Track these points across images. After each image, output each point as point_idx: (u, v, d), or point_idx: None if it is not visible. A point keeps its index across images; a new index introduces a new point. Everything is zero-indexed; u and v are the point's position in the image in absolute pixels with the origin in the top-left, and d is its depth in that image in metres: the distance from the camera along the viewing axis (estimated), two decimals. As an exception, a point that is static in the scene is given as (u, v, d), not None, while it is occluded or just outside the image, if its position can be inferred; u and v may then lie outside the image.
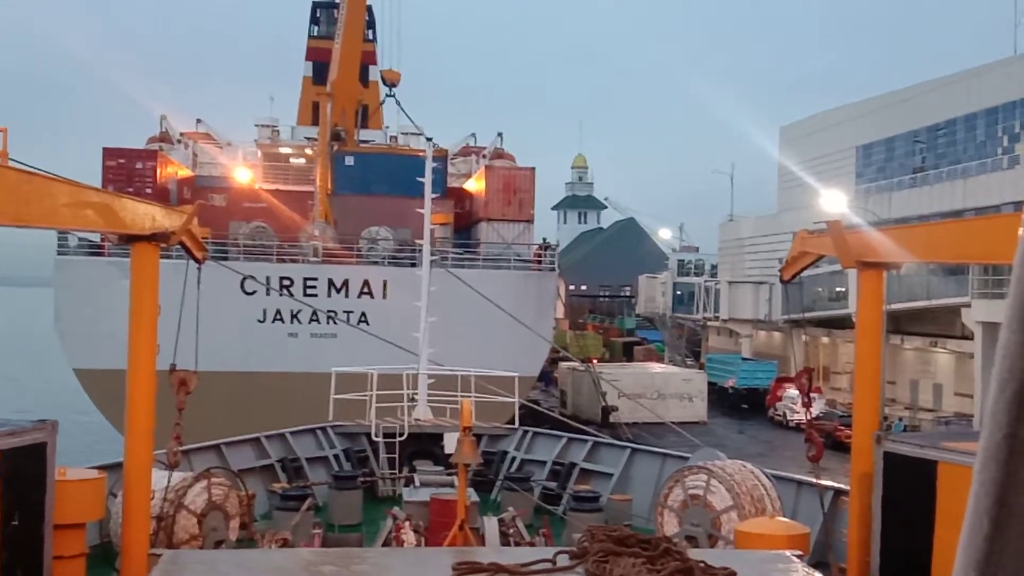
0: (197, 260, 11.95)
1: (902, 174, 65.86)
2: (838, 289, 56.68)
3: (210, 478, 13.31)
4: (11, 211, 8.29)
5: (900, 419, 48.74)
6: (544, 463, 20.79)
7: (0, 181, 8.15)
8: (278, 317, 43.68)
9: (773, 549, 10.06)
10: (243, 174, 54.52)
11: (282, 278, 43.55)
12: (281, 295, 42.30)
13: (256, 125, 61.97)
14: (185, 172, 53.55)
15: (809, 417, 13.58)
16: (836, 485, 14.37)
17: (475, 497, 15.24)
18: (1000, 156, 57.09)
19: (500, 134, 63.63)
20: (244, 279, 38.46)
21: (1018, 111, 58.05)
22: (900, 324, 50.28)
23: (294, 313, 43.37)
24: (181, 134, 58.10)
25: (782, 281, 13.66)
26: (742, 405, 60.50)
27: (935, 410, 52.04)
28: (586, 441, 21.11)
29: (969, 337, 46.29)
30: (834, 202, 58.53)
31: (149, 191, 44.74)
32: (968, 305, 45.21)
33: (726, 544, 12.54)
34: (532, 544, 13.61)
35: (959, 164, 59.74)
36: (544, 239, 51.11)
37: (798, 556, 9.25)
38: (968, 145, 61.97)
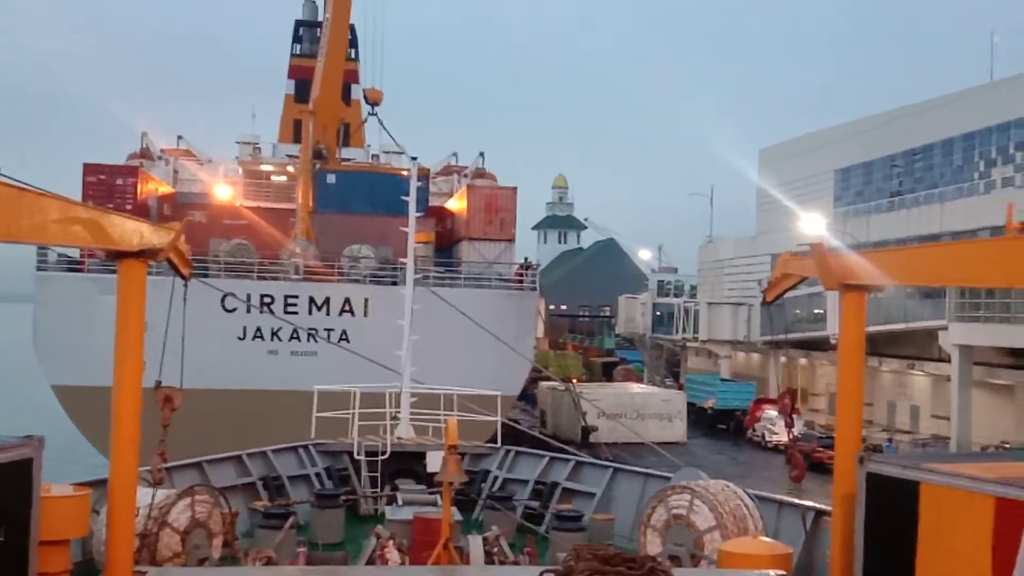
0: (184, 277, 11.96)
1: (880, 198, 66.53)
2: (816, 311, 57.06)
3: (193, 495, 13.28)
4: (2, 227, 8.30)
5: (890, 440, 49.03)
6: (526, 482, 20.80)
7: (-7, 196, 8.17)
8: (258, 335, 43.57)
9: (756, 569, 10.15)
10: (224, 191, 54.45)
11: (263, 295, 43.46)
12: (261, 312, 42.19)
13: (237, 142, 61.94)
14: (166, 189, 53.45)
15: (791, 438, 13.71)
16: (817, 505, 14.48)
17: (458, 516, 15.25)
18: (977, 181, 57.81)
19: (482, 153, 63.85)
20: (224, 296, 38.35)
21: (994, 136, 58.80)
22: (878, 346, 50.66)
23: (274, 331, 43.27)
24: (162, 150, 58.02)
25: (764, 303, 13.81)
26: (720, 426, 60.65)
27: (912, 432, 52.39)
28: (568, 460, 21.14)
29: (946, 360, 46.63)
30: (813, 225, 58.99)
31: (130, 207, 44.61)
32: (945, 328, 45.58)
33: (709, 564, 12.61)
34: (517, 563, 13.63)
35: (936, 188, 60.42)
36: (526, 258, 51.25)
37: (781, 576, 9.35)
38: (945, 170, 62.70)
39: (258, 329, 43.49)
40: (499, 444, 22.57)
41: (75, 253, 42.95)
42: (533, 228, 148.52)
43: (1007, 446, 40.79)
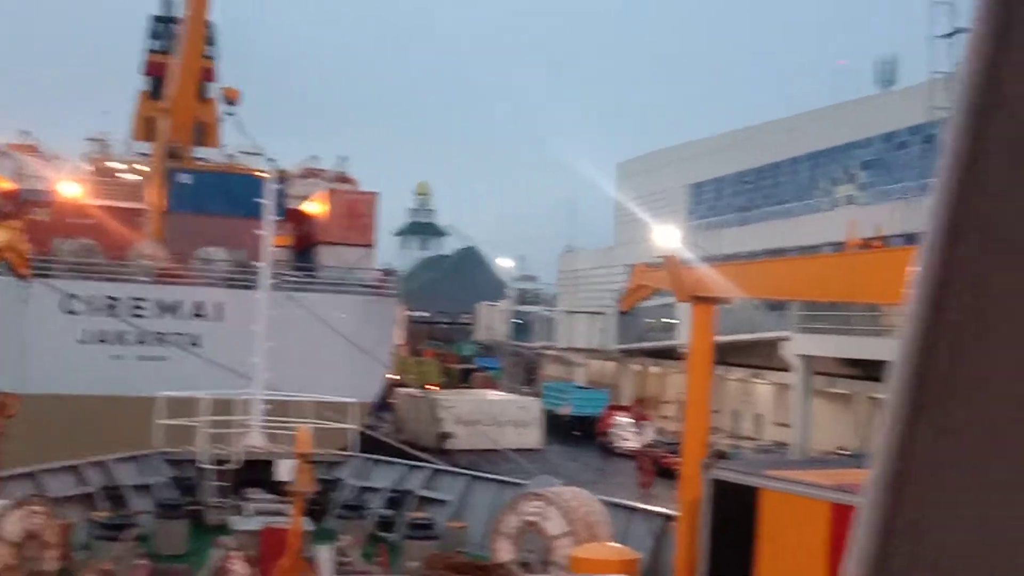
0: (22, 277, 11.41)
1: (731, 212, 68.81)
2: (667, 320, 58.52)
3: (27, 506, 12.65)
4: None
5: (736, 448, 50.46)
6: (381, 490, 20.64)
7: None
8: (102, 338, 41.88)
9: (605, 574, 10.31)
10: (69, 188, 52.15)
11: (108, 297, 41.80)
12: (106, 316, 40.57)
13: (87, 139, 59.57)
14: (8, 185, 50.86)
15: (641, 445, 14.01)
16: (666, 511, 14.83)
17: (309, 526, 14.99)
18: (821, 198, 60.43)
19: (344, 157, 63.18)
20: (65, 297, 36.72)
21: (838, 156, 61.62)
22: (725, 355, 52.19)
23: (119, 334, 41.68)
24: (7, 146, 55.28)
25: (620, 312, 14.07)
26: (575, 432, 61.47)
27: (756, 439, 54.23)
28: (425, 469, 21.09)
29: (789, 369, 48.43)
30: (667, 237, 60.35)
31: (-34, 203, 42.29)
32: (788, 339, 47.33)
33: (560, 569, 12.74)
34: (368, 572, 13.50)
35: (784, 204, 62.91)
36: (387, 264, 50.87)
37: (629, 581, 9.52)
38: (792, 187, 65.32)
39: (101, 332, 41.79)
40: (354, 452, 22.33)
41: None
42: (395, 234, 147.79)
43: (844, 452, 42.72)
